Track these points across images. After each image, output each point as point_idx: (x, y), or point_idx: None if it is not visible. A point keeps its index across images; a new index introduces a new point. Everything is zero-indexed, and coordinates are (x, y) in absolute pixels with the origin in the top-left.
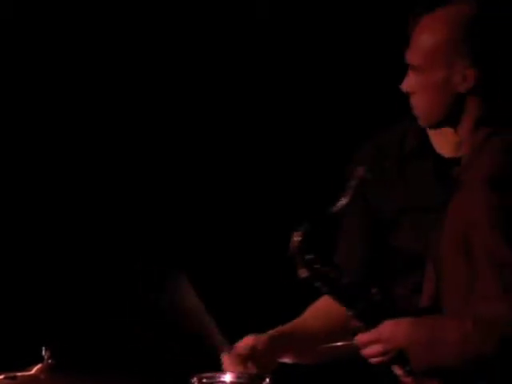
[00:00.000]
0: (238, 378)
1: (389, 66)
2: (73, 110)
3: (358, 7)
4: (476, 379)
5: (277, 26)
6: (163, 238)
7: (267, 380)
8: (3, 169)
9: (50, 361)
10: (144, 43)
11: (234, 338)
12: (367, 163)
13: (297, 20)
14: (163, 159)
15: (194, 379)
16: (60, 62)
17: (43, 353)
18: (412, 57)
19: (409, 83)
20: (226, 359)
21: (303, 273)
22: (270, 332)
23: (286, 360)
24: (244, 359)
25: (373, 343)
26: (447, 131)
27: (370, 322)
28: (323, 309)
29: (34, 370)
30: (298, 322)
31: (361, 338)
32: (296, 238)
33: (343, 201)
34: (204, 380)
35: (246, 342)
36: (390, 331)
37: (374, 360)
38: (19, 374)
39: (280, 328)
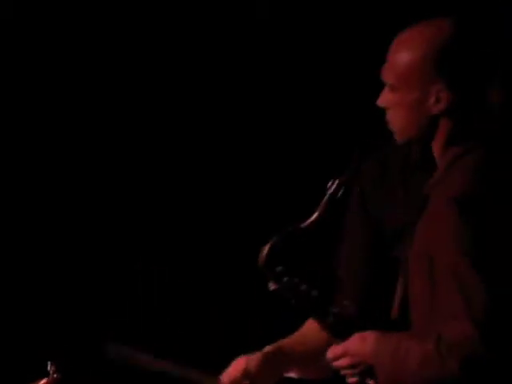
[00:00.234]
0: None
1: None
2: (73, 109)
3: (358, 7)
4: None
5: (277, 25)
6: (163, 237)
7: None
8: (3, 169)
9: (55, 375)
10: (144, 43)
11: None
12: (370, 175)
13: (297, 20)
14: (163, 159)
15: None
16: (60, 61)
17: (48, 367)
18: (387, 75)
19: (384, 99)
20: None
21: (272, 285)
22: (266, 349)
23: (292, 375)
24: (238, 382)
25: (342, 356)
26: None
27: (340, 335)
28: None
29: None
30: (297, 335)
31: (332, 350)
32: (264, 251)
33: (313, 217)
34: None
35: (237, 365)
36: (357, 345)
37: (344, 372)
38: None
39: (278, 343)
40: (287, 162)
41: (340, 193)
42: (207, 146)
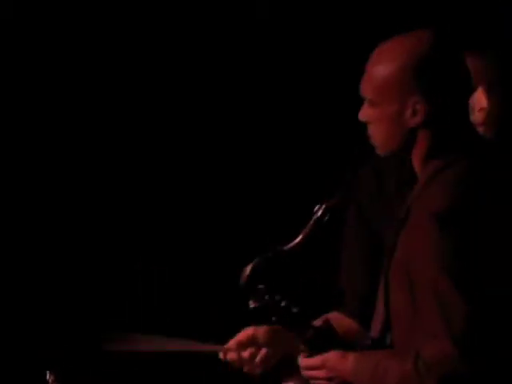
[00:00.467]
0: None
1: None
2: (73, 109)
3: (358, 7)
4: None
5: (277, 25)
6: (163, 237)
7: None
8: (3, 169)
9: None
10: (144, 43)
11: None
12: (367, 188)
13: (297, 20)
14: (163, 160)
15: None
16: (60, 61)
17: (47, 377)
18: (365, 90)
19: (364, 114)
20: (226, 349)
21: (252, 303)
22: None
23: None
24: (245, 346)
25: (319, 368)
26: None
27: (318, 349)
28: (335, 320)
29: None
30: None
31: (305, 361)
32: (246, 272)
33: (297, 239)
34: None
35: (246, 332)
36: (337, 360)
37: (317, 382)
38: None
39: None
40: (290, 156)
41: (326, 217)
42: (207, 146)
